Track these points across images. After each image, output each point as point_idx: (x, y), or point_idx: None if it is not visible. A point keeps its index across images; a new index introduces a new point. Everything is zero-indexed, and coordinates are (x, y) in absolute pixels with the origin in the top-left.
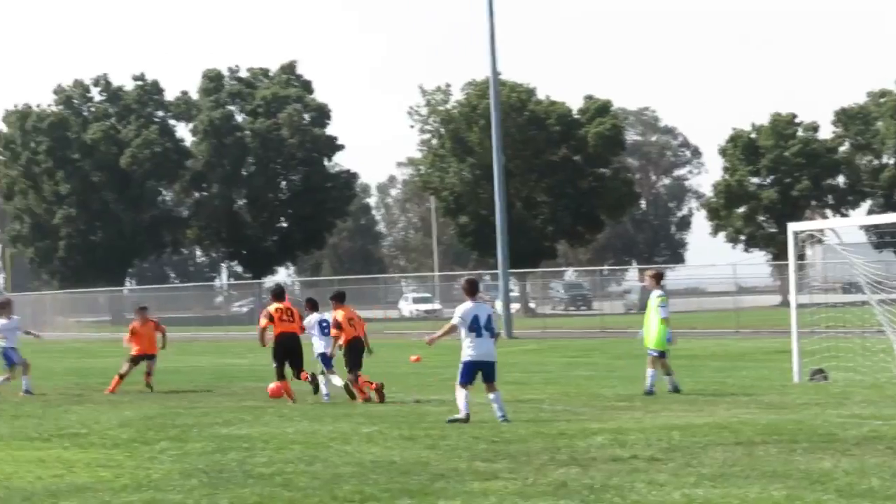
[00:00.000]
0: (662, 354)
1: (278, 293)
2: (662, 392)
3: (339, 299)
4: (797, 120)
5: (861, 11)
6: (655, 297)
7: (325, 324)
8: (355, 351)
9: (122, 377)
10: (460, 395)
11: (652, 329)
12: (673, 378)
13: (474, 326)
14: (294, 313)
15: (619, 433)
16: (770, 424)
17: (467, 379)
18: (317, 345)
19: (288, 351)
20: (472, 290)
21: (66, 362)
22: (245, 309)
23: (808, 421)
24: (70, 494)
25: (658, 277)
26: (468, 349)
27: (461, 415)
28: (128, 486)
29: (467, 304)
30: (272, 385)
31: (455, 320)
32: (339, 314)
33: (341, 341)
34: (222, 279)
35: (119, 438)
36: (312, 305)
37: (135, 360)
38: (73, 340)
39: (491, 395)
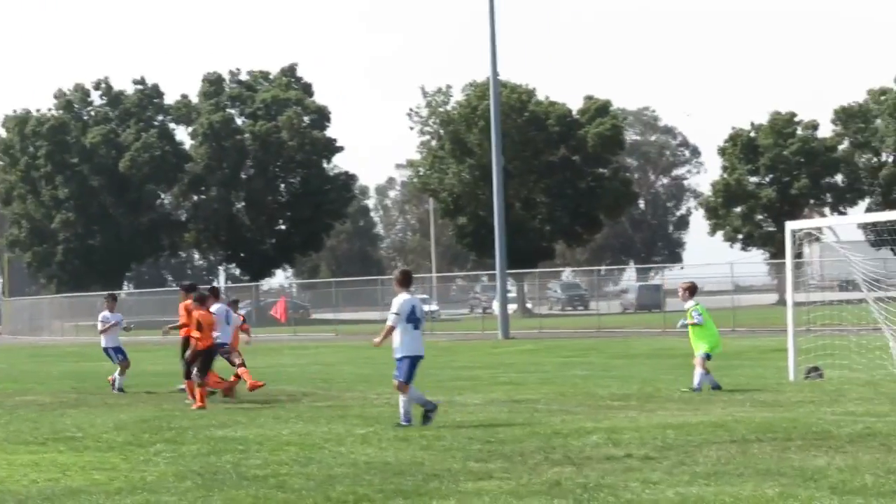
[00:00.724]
0: (708, 357)
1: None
2: (660, 391)
3: (200, 301)
4: (797, 118)
5: (861, 10)
6: (687, 308)
7: None
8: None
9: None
10: (407, 399)
11: (705, 335)
12: (712, 377)
13: (411, 318)
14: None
15: (614, 432)
16: (765, 422)
17: (411, 376)
18: None
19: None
20: (406, 281)
21: (62, 366)
22: (242, 311)
23: (802, 419)
24: (65, 498)
25: (691, 290)
26: (406, 343)
27: (404, 421)
28: (122, 489)
29: (404, 296)
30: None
31: (392, 319)
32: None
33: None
34: (220, 282)
35: (114, 441)
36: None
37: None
38: (70, 344)
39: (405, 397)
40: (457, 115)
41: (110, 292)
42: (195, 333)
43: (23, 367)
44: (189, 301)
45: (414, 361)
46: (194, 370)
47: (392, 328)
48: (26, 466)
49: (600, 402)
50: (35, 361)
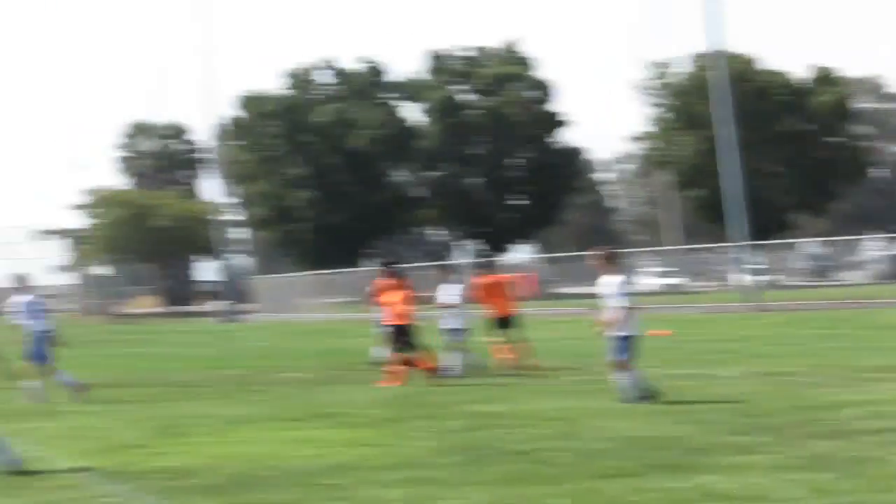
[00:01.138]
0: None
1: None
2: None
3: (396, 277)
4: None
5: None
6: None
7: None
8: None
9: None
10: (631, 375)
11: None
12: None
13: (630, 298)
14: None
15: (876, 405)
16: None
17: (632, 354)
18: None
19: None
20: (616, 260)
21: (317, 343)
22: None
23: None
24: (329, 473)
25: None
26: (628, 322)
27: (654, 394)
28: (386, 465)
29: (620, 277)
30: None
31: (625, 301)
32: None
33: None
34: (459, 258)
35: (375, 417)
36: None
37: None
38: (321, 322)
39: (632, 374)
40: (688, 86)
41: (442, 263)
42: (399, 307)
43: (280, 344)
44: (388, 278)
45: (635, 341)
46: (399, 346)
47: (627, 310)
48: (289, 443)
49: (858, 375)
50: (291, 339)
